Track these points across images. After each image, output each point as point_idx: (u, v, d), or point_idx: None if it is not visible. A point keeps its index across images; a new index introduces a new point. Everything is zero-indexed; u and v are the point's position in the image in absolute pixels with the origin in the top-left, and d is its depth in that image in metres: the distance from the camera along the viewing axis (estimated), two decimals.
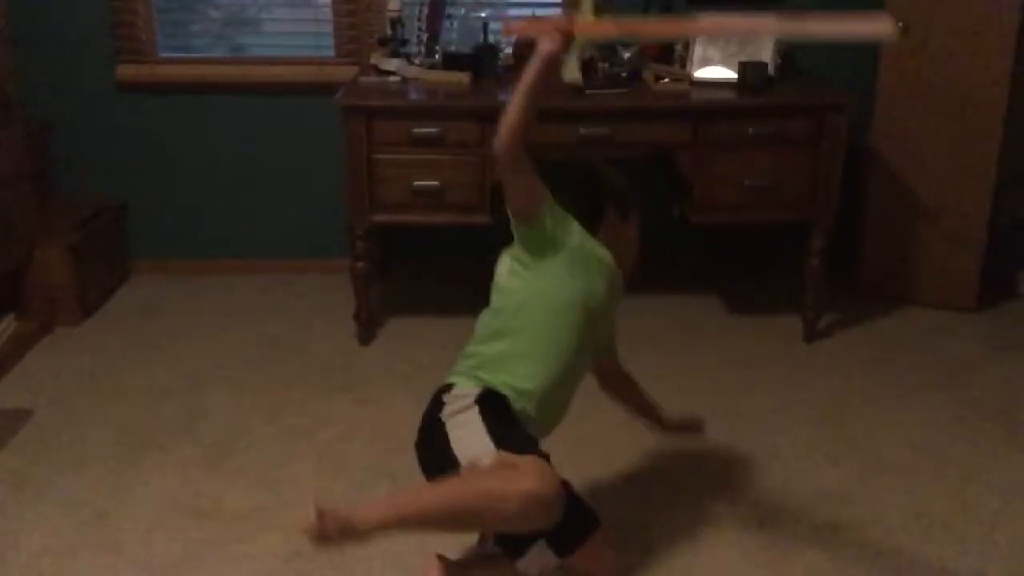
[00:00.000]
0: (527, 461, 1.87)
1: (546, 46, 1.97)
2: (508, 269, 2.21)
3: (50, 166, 3.91)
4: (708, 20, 2.17)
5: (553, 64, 2.00)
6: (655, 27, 2.25)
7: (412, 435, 2.39)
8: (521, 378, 2.06)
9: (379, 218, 3.31)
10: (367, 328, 3.47)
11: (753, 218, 3.40)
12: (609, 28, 2.17)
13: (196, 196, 4.06)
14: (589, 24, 2.13)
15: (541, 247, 2.11)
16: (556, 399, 2.14)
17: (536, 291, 2.13)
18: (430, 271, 4.09)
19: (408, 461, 2.24)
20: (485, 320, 2.21)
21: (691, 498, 2.55)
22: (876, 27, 1.88)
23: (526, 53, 3.53)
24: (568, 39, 2.00)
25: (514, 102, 2.01)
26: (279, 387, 3.15)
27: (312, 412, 2.99)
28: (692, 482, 2.63)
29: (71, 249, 3.54)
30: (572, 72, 2.06)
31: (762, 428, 2.90)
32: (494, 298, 2.22)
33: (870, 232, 3.81)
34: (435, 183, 3.24)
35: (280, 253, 4.12)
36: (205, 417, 2.97)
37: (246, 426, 2.92)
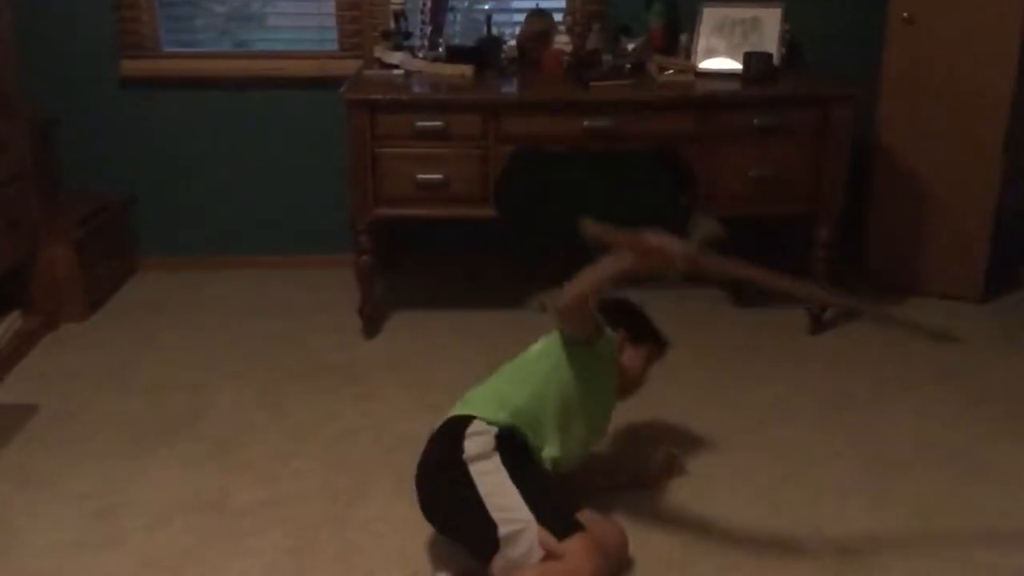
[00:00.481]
0: (572, 550, 1.97)
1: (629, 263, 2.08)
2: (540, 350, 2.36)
3: (55, 162, 3.92)
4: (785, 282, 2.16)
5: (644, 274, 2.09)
6: (745, 271, 2.10)
7: (417, 429, 2.40)
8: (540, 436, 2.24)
9: (383, 212, 3.31)
10: (371, 323, 3.47)
11: (758, 210, 3.39)
12: (721, 270, 2.12)
13: (201, 191, 4.06)
14: (715, 263, 2.06)
15: (585, 358, 2.28)
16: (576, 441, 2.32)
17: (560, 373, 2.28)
18: (434, 265, 4.09)
19: (412, 456, 2.25)
20: (506, 375, 2.34)
21: (693, 489, 2.55)
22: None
23: (530, 47, 3.56)
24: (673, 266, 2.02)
25: (582, 287, 2.13)
26: (284, 382, 3.15)
27: (317, 407, 2.99)
28: (694, 473, 2.62)
29: (76, 245, 3.54)
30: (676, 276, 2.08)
31: (767, 420, 2.89)
32: (521, 366, 2.35)
33: (876, 223, 3.79)
34: (439, 176, 3.23)
35: (285, 248, 4.12)
36: (210, 412, 2.97)
37: (251, 421, 2.92)
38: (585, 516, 2.14)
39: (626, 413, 2.92)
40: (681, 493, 2.53)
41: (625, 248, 2.08)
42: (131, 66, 3.88)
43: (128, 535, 2.38)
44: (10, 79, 3.30)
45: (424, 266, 4.10)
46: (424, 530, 2.29)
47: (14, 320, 3.40)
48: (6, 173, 3.25)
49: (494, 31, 3.66)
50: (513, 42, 3.66)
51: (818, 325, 3.47)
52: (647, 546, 2.31)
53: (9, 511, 2.47)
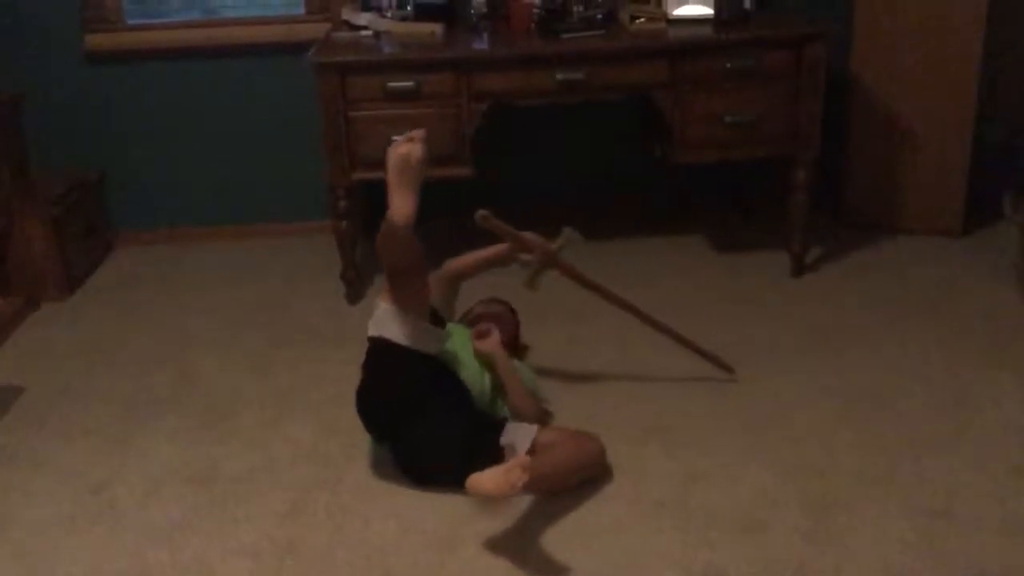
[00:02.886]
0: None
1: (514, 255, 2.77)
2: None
3: (23, 140, 3.86)
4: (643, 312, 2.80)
5: (508, 261, 2.77)
6: (603, 290, 2.78)
7: None
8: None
9: (359, 176, 3.29)
10: (354, 287, 3.47)
11: (735, 155, 3.38)
12: (575, 274, 2.75)
13: (174, 164, 4.02)
14: (568, 265, 2.73)
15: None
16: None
17: None
18: (416, 226, 4.06)
19: None
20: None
21: (677, 433, 2.57)
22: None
23: (500, 2, 3.51)
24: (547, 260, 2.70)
25: (467, 263, 2.88)
26: (269, 350, 3.15)
27: (304, 373, 3.00)
28: (676, 417, 2.65)
29: (52, 223, 3.51)
30: (536, 285, 2.72)
31: (754, 362, 2.91)
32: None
33: (854, 162, 3.79)
34: None
35: (263, 217, 4.09)
36: (197, 383, 2.97)
37: (238, 389, 2.92)
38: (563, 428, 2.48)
39: (608, 358, 2.95)
40: (664, 437, 2.56)
41: (509, 239, 2.69)
42: (95, 40, 3.82)
43: (122, 509, 2.39)
44: None
45: None
46: (416, 488, 2.31)
47: None
48: None
49: None
50: None
51: (800, 267, 3.49)
52: (642, 486, 2.34)
53: (2, 489, 2.48)
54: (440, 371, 2.42)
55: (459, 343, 2.56)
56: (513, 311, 2.94)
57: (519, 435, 2.35)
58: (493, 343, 2.58)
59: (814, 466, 2.42)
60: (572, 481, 2.33)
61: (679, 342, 2.79)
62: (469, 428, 2.37)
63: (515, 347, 2.89)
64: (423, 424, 2.35)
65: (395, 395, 2.38)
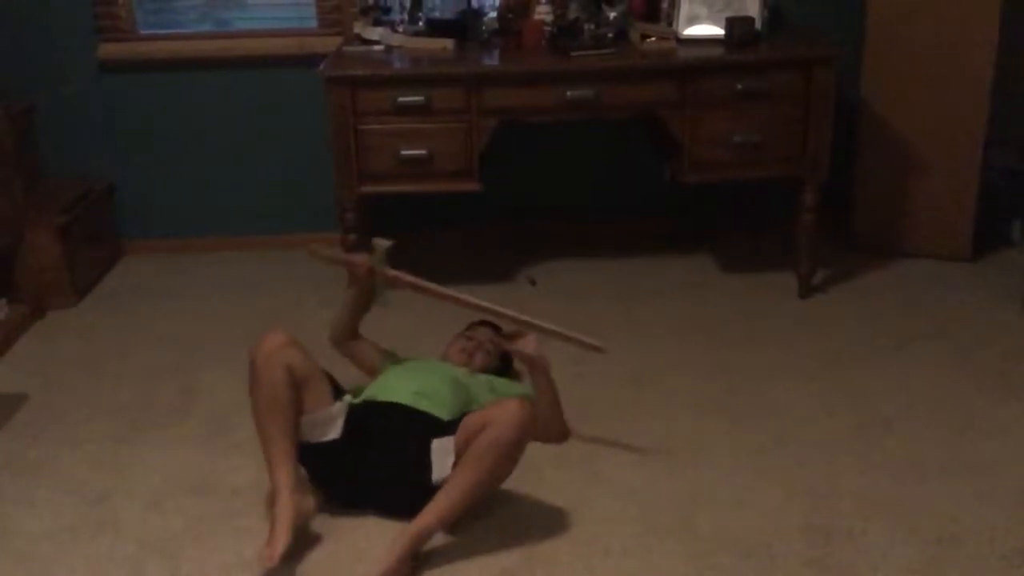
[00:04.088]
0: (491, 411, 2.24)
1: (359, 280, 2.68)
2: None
3: (35, 149, 3.88)
4: (484, 304, 2.61)
5: (368, 291, 2.68)
6: (435, 290, 2.64)
7: None
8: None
9: (367, 189, 3.29)
10: None
11: (744, 175, 3.38)
12: (401, 281, 2.63)
13: (184, 174, 4.03)
14: (390, 274, 2.64)
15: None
16: None
17: None
18: (421, 240, 4.07)
19: None
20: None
21: (684, 452, 2.56)
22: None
23: (511, 19, 3.53)
24: (370, 278, 2.63)
25: (339, 316, 2.79)
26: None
27: None
28: (685, 437, 2.63)
29: (60, 231, 3.52)
30: (384, 301, 2.70)
31: (759, 383, 2.90)
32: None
33: (862, 185, 3.79)
34: (422, 151, 3.21)
35: (271, 228, 4.10)
36: (201, 394, 2.97)
37: (243, 402, 2.86)
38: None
39: (618, 378, 2.94)
40: (671, 458, 2.54)
41: (342, 266, 2.79)
42: (108, 50, 3.85)
43: (123, 519, 2.38)
44: None
45: (411, 242, 4.08)
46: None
47: (0, 309, 3.38)
48: None
49: (474, 3, 3.62)
50: (494, 14, 3.63)
51: (807, 289, 3.48)
52: (648, 508, 2.32)
53: (4, 499, 2.48)
54: (362, 422, 2.38)
55: (401, 371, 2.60)
56: (498, 329, 2.90)
57: (441, 461, 2.27)
58: (531, 343, 2.55)
59: (819, 490, 2.40)
60: (503, 472, 2.22)
61: (543, 332, 2.58)
62: (407, 452, 2.31)
63: (507, 364, 2.89)
64: (369, 472, 2.32)
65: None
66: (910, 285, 3.55)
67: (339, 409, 2.38)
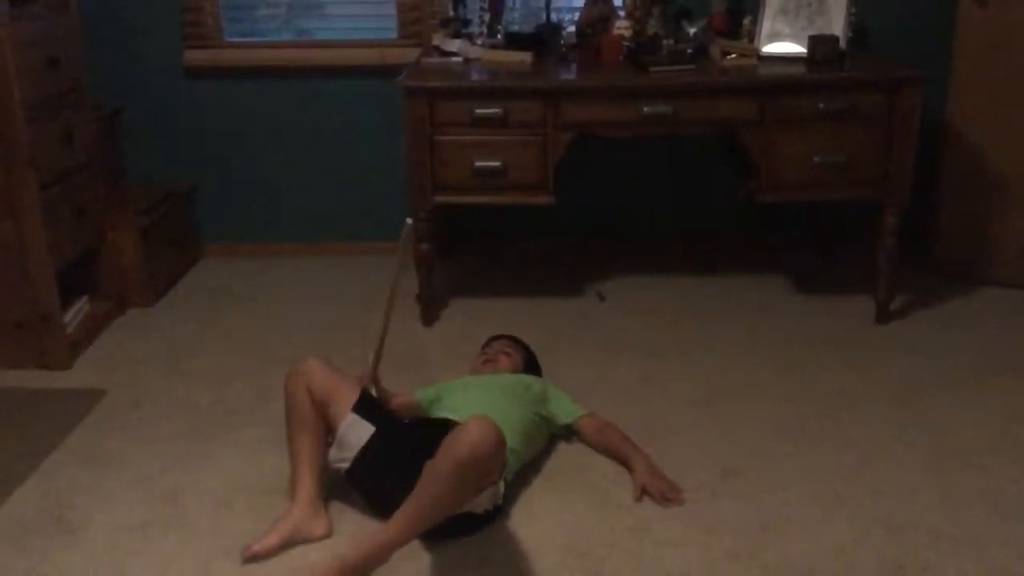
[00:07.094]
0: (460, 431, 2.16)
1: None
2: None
3: (119, 151, 3.99)
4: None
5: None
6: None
7: None
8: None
9: (441, 199, 3.31)
10: (430, 309, 3.48)
11: (822, 196, 3.32)
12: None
13: (263, 179, 4.11)
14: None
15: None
16: None
17: None
18: (493, 252, 4.09)
19: None
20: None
21: (754, 480, 2.51)
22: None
23: (590, 33, 3.53)
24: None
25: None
26: (344, 368, 3.15)
27: None
28: (756, 464, 2.58)
29: (142, 232, 3.61)
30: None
31: (833, 409, 2.83)
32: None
33: (946, 209, 3.69)
34: (497, 163, 3.22)
35: (346, 235, 4.15)
36: (274, 396, 2.98)
37: None
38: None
39: (688, 398, 2.90)
40: (742, 481, 2.50)
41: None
42: (194, 56, 3.94)
43: (193, 517, 2.42)
44: (79, 70, 3.36)
45: (482, 254, 4.10)
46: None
47: (83, 305, 3.48)
48: (74, 162, 3.31)
49: (553, 17, 3.63)
50: (573, 28, 3.63)
51: (884, 314, 3.39)
52: (714, 534, 2.29)
53: (77, 492, 2.53)
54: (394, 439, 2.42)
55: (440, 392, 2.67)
56: (516, 340, 2.93)
57: None
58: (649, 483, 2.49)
59: (893, 522, 2.33)
60: (462, 488, 2.14)
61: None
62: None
63: (535, 370, 2.90)
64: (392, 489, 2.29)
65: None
66: (993, 315, 3.45)
67: (347, 425, 2.42)
